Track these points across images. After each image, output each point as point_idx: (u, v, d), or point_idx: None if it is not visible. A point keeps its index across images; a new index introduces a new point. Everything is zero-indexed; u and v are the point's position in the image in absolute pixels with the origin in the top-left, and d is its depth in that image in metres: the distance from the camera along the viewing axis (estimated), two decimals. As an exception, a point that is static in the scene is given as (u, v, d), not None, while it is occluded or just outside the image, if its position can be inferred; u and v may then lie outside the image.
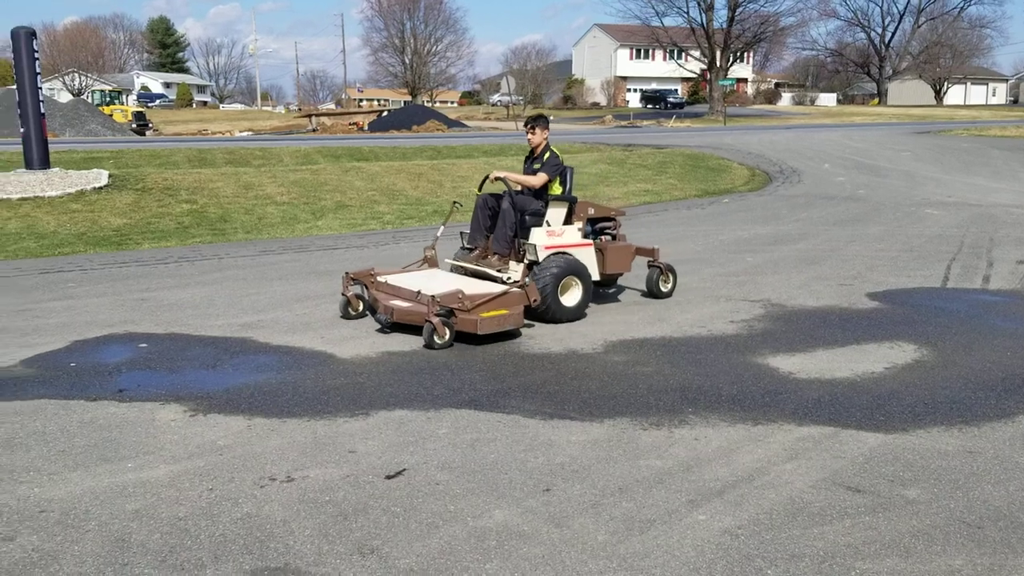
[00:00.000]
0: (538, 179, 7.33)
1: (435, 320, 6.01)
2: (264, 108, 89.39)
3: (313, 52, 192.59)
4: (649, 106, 67.28)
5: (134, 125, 46.51)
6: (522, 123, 8.69)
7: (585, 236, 7.37)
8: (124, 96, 68.84)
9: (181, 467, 4.03)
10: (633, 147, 24.47)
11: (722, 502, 3.64)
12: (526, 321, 6.54)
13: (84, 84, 73.83)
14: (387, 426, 4.56)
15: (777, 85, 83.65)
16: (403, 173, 18.60)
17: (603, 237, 7.66)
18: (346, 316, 6.98)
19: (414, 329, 6.32)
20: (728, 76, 56.78)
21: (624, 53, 78.04)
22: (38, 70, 18.57)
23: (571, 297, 6.87)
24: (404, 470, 3.97)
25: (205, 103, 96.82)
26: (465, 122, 45.20)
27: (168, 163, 21.55)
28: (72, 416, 4.73)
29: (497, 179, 7.26)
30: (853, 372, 5.54)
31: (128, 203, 14.67)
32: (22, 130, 18.80)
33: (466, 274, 7.17)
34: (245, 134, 46.32)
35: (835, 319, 7.02)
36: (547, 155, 7.39)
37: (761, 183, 19.54)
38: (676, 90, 71.64)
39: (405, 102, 75.99)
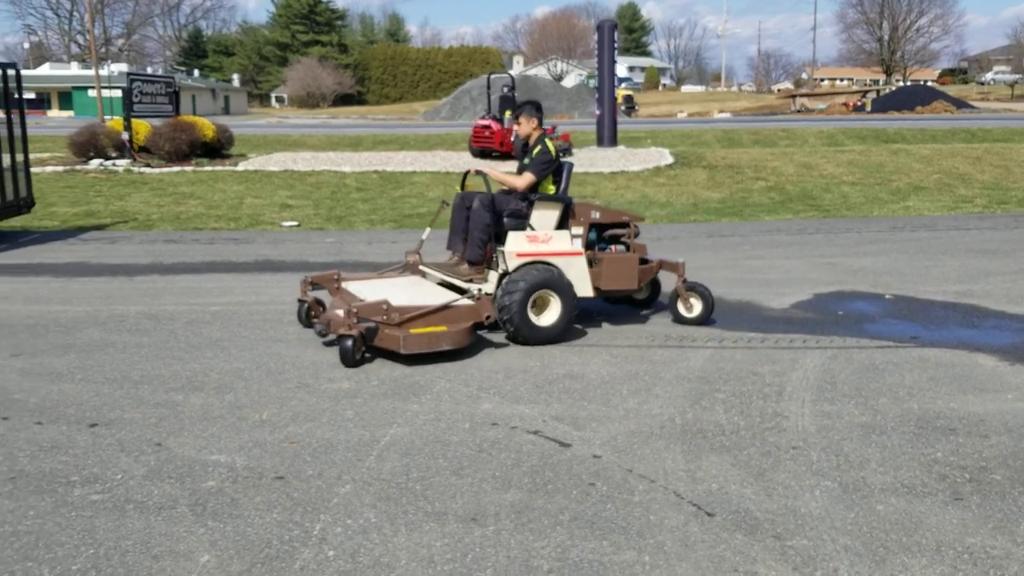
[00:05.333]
0: (523, 180, 6.24)
1: (355, 333, 5.29)
2: (720, 89, 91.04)
3: (768, 30, 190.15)
4: None
5: (623, 107, 50.57)
6: None
7: (589, 245, 6.24)
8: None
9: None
10: None
11: None
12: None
13: (563, 70, 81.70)
14: None
15: None
16: (958, 156, 18.07)
17: (614, 247, 6.34)
18: (308, 325, 6.16)
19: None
20: None
21: None
22: (615, 59, 21.30)
23: (547, 316, 5.82)
24: None
25: (665, 85, 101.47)
26: (973, 103, 41.72)
27: (700, 142, 23.40)
28: (876, 355, 5.76)
29: (478, 173, 6.30)
30: None
31: (704, 179, 16.35)
32: (597, 112, 21.81)
33: (442, 284, 6.33)
34: (724, 115, 47.88)
35: None
36: (537, 149, 6.28)
37: None
38: None
39: (872, 80, 71.98)
